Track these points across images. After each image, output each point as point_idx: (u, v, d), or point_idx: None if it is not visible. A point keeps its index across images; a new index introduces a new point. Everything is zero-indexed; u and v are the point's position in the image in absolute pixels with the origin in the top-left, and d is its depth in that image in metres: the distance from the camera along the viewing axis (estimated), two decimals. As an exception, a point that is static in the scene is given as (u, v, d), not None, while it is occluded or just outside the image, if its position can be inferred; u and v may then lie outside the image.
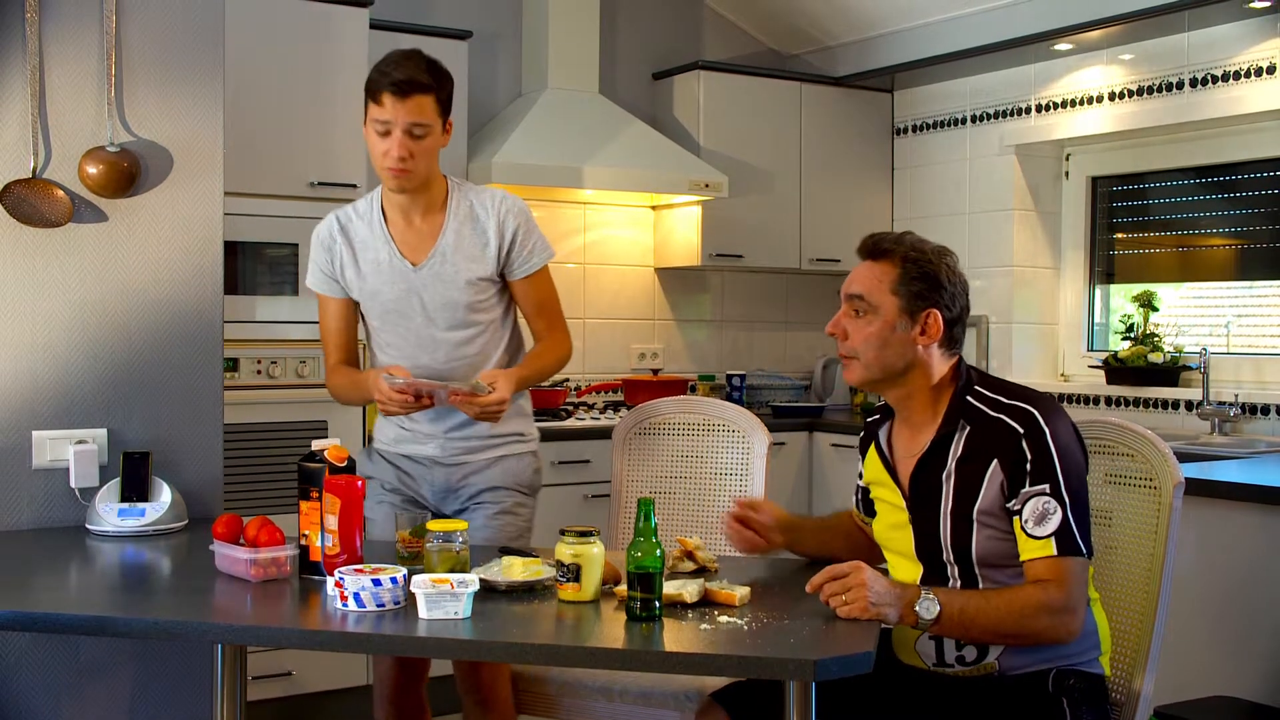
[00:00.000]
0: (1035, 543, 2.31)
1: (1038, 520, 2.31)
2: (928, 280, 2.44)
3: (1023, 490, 2.33)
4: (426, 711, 3.08)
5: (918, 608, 2.27)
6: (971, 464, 2.39)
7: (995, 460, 2.36)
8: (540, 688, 2.99)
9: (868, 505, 2.70)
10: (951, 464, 2.41)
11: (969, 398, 2.44)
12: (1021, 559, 2.33)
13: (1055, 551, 2.29)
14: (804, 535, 2.79)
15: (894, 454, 2.55)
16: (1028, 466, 2.33)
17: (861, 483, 2.71)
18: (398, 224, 3.09)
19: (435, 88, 2.96)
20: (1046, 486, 2.31)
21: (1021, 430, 2.34)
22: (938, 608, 2.27)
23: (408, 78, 2.92)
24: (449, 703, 3.31)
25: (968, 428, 2.42)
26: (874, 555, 2.73)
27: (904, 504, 2.50)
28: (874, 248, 2.50)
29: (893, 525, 2.53)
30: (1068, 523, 2.30)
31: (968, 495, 2.38)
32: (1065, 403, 5.31)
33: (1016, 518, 2.33)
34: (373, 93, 2.96)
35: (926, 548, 2.45)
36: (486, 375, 2.97)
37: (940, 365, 2.48)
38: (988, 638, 2.36)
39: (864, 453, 2.67)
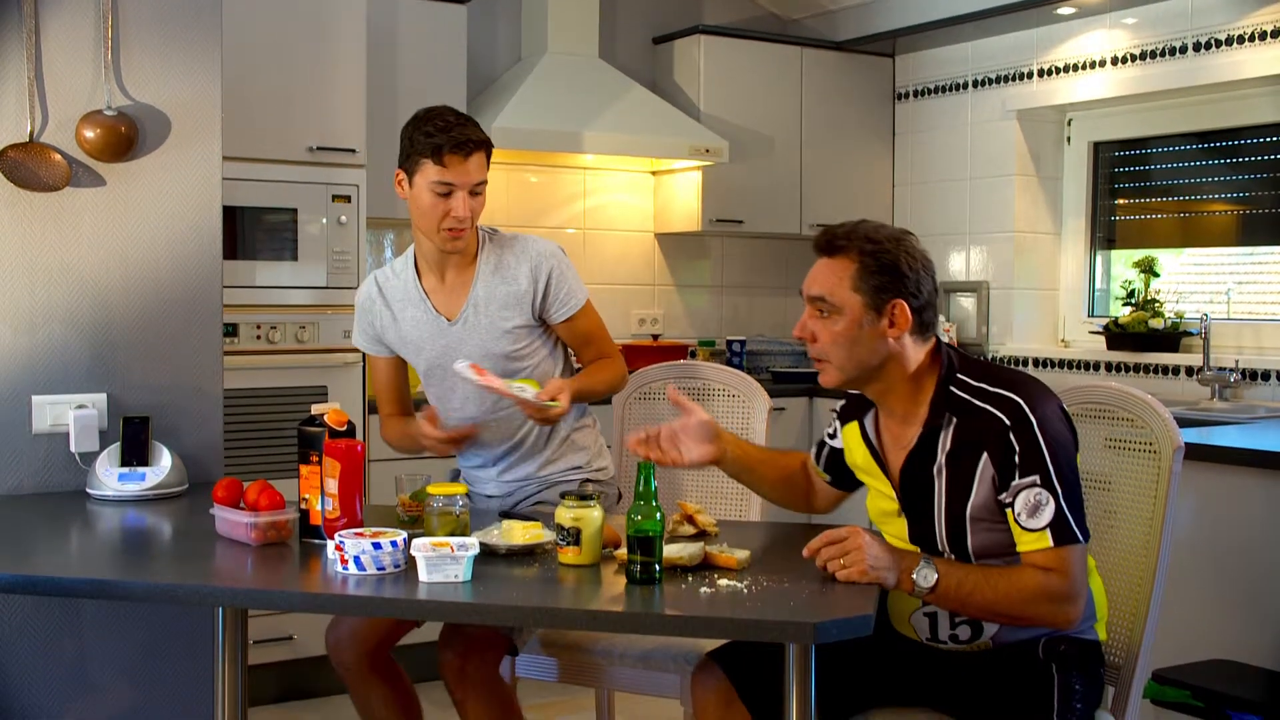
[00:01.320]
0: (1030, 535, 2.28)
1: (1031, 512, 2.28)
2: (888, 271, 2.37)
3: (1013, 483, 2.29)
4: (401, 674, 3.05)
5: (915, 575, 2.26)
6: (961, 459, 2.36)
7: (985, 454, 2.33)
8: (541, 651, 3.00)
9: (832, 464, 2.69)
10: (941, 458, 2.38)
11: (953, 388, 2.39)
12: (1019, 551, 2.31)
13: (1052, 543, 2.26)
14: (738, 455, 2.71)
15: (882, 445, 2.52)
16: (1016, 459, 2.29)
17: (833, 444, 2.68)
18: (431, 281, 3.08)
19: (487, 143, 2.96)
20: (1037, 477, 2.27)
21: (1008, 421, 2.30)
22: (935, 576, 2.26)
23: (467, 137, 2.89)
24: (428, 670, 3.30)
25: (954, 420, 2.37)
26: (810, 507, 2.78)
27: (895, 495, 2.48)
28: (829, 243, 2.43)
29: (884, 512, 2.52)
30: (1062, 511, 2.26)
31: (960, 494, 2.36)
32: (1065, 369, 5.32)
33: (1009, 510, 2.30)
34: (433, 153, 2.88)
35: (921, 539, 2.44)
36: (551, 387, 2.92)
37: (916, 353, 2.42)
38: (984, 615, 2.35)
39: (844, 422, 2.64)
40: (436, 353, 3.06)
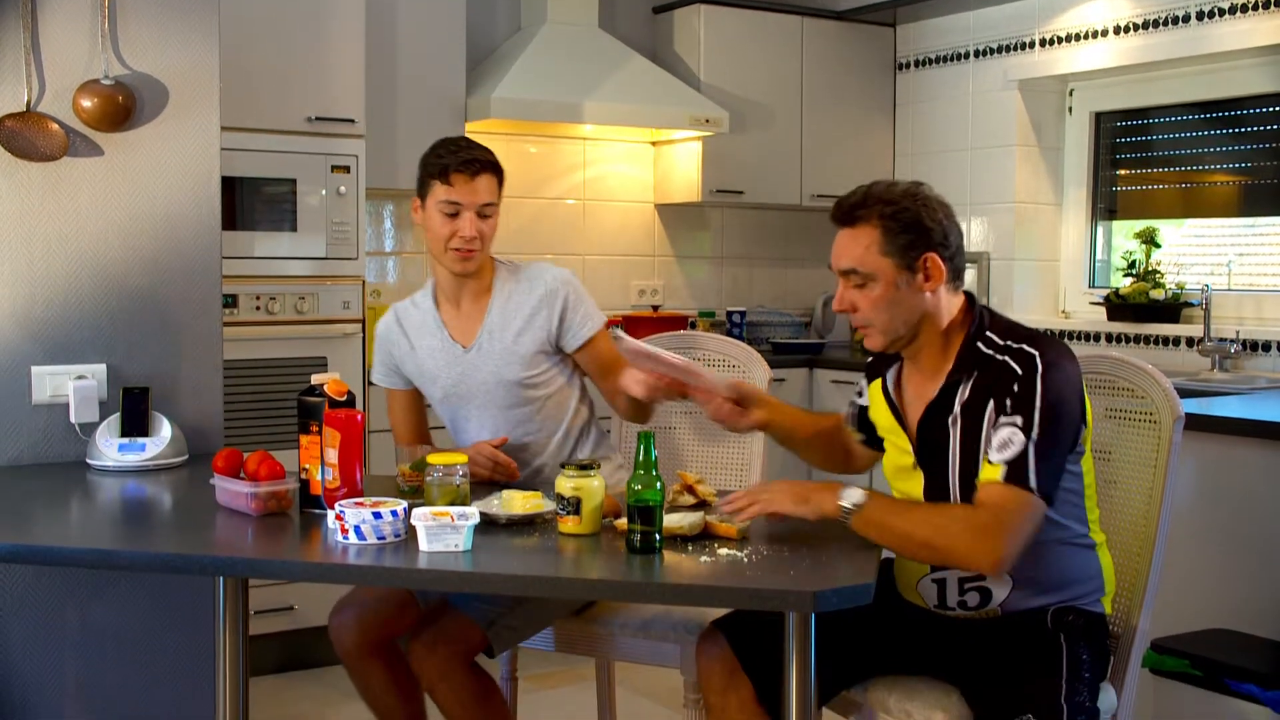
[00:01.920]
0: (990, 467, 2.27)
1: (999, 447, 2.26)
2: (912, 229, 2.38)
3: (1000, 419, 2.29)
4: (403, 659, 2.93)
5: (841, 497, 2.28)
6: (975, 409, 2.35)
7: (991, 400, 2.33)
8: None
9: (864, 424, 2.69)
10: (957, 409, 2.38)
11: (979, 343, 2.39)
12: (977, 483, 2.30)
13: (1001, 478, 2.24)
14: (783, 418, 2.72)
15: (902, 400, 2.52)
16: (1008, 401, 2.29)
17: (861, 402, 2.69)
18: (448, 309, 3.10)
19: (498, 167, 2.99)
20: (1019, 419, 2.26)
21: (1020, 372, 2.30)
22: (861, 496, 2.27)
23: (475, 157, 2.95)
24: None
25: (975, 373, 2.37)
26: (848, 467, 2.77)
27: (911, 450, 2.48)
28: (846, 214, 2.43)
29: (900, 468, 2.52)
30: (1024, 456, 2.24)
31: (973, 443, 2.35)
32: (1066, 340, 5.31)
33: (988, 446, 2.30)
34: (440, 173, 2.94)
35: (936, 494, 2.44)
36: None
37: (950, 306, 2.43)
38: (905, 544, 2.29)
39: (869, 379, 2.65)
40: (452, 380, 3.07)
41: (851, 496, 2.28)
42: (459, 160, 2.94)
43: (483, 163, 2.96)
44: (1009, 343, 2.36)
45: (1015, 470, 2.24)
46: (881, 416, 2.58)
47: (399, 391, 3.19)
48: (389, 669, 2.93)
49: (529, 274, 3.08)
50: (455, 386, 3.07)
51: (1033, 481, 2.23)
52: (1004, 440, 2.26)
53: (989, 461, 2.27)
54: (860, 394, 2.70)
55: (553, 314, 3.02)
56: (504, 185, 3.04)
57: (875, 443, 2.71)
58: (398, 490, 2.68)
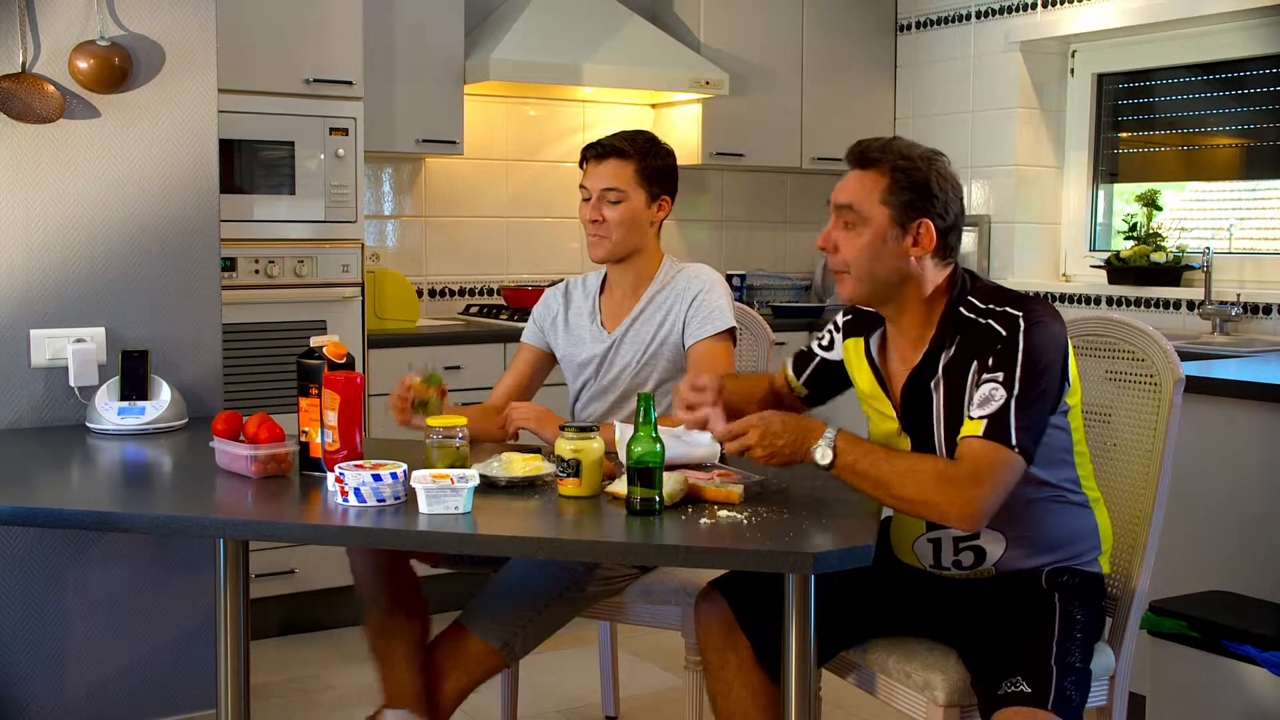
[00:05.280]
0: (971, 423, 2.25)
1: (980, 403, 2.25)
2: (918, 189, 2.36)
3: (981, 377, 2.28)
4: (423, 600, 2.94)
5: (814, 452, 2.27)
6: (958, 371, 2.35)
7: (975, 361, 2.32)
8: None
9: (815, 378, 2.70)
10: (940, 373, 2.38)
11: (961, 308, 2.38)
12: (958, 439, 2.29)
13: (981, 433, 2.23)
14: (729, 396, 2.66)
15: (887, 366, 2.51)
16: (991, 359, 2.28)
17: (827, 355, 2.68)
18: (610, 295, 3.16)
19: (633, 155, 3.03)
20: (1001, 375, 2.25)
21: (1004, 333, 2.29)
22: (831, 455, 2.26)
23: (606, 143, 3.05)
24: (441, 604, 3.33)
25: (959, 336, 2.36)
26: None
27: (895, 415, 2.47)
28: (862, 155, 2.42)
29: (886, 434, 2.51)
30: (1005, 411, 2.22)
31: (956, 405, 2.34)
32: (1066, 303, 5.30)
33: (969, 404, 2.30)
34: (581, 161, 3.09)
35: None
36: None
37: (935, 276, 2.41)
38: (878, 491, 2.27)
39: (846, 335, 2.62)
40: (586, 358, 3.12)
41: (823, 454, 2.27)
42: (589, 146, 3.06)
43: (610, 148, 3.04)
44: (992, 306, 2.34)
45: (995, 425, 2.22)
46: (864, 381, 2.56)
47: (530, 348, 3.22)
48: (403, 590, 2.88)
49: (687, 271, 3.11)
50: (587, 366, 3.12)
51: (1013, 437, 2.21)
52: (985, 396, 2.26)
53: (970, 417, 2.27)
54: (828, 345, 2.68)
55: (684, 303, 3.04)
56: (661, 178, 3.06)
57: (817, 399, 2.74)
58: (406, 405, 2.72)
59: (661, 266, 3.12)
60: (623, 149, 3.04)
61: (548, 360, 3.24)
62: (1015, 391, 2.23)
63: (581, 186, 3.07)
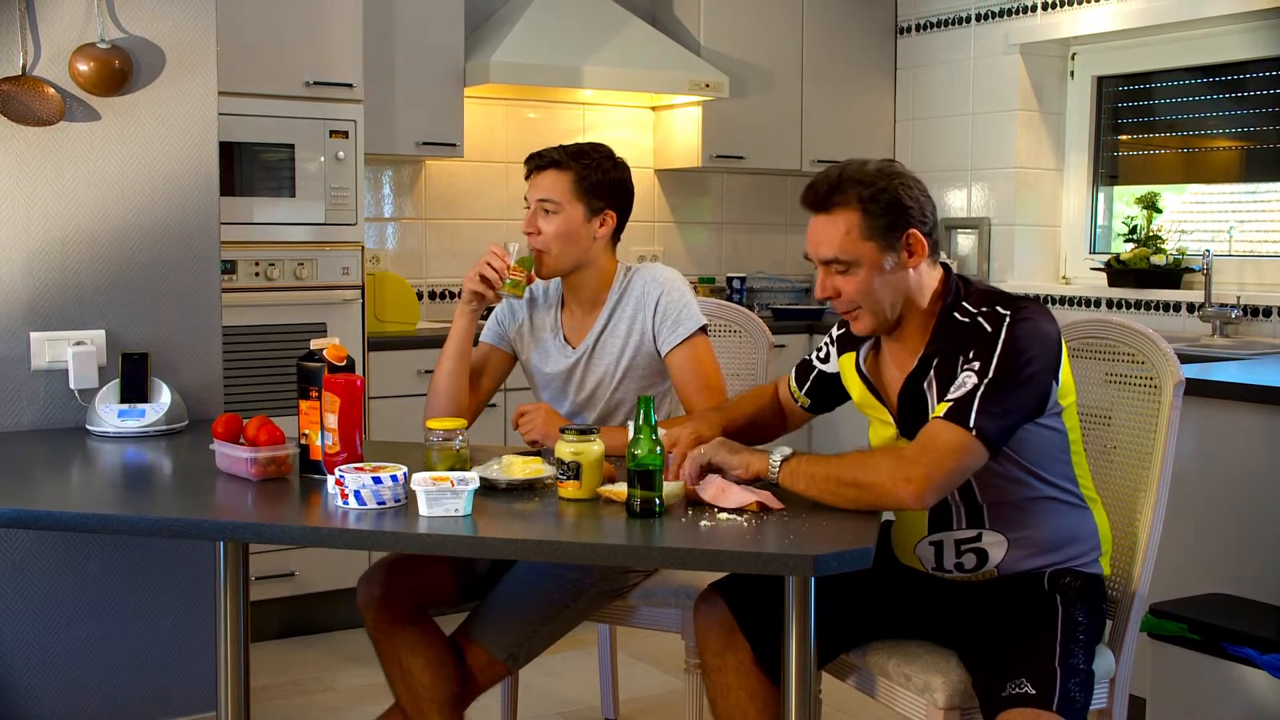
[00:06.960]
0: (940, 405, 2.26)
1: (954, 389, 2.26)
2: (891, 209, 2.35)
3: (960, 368, 2.29)
4: (433, 624, 2.90)
5: (770, 454, 2.32)
6: (946, 369, 2.35)
7: (961, 357, 2.32)
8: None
9: (816, 389, 2.71)
10: (932, 373, 2.38)
11: (955, 313, 2.38)
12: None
13: (943, 414, 2.23)
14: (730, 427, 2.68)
15: (880, 375, 2.51)
16: (972, 352, 2.28)
17: (825, 368, 2.68)
18: (569, 310, 3.06)
19: (570, 167, 2.93)
20: (977, 364, 2.25)
21: (989, 329, 2.29)
22: (787, 450, 2.31)
23: (545, 154, 2.96)
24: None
25: (951, 338, 2.36)
26: (785, 429, 2.79)
27: (893, 420, 2.48)
28: (823, 200, 2.40)
29: (885, 439, 2.52)
30: (971, 396, 2.22)
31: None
32: (1066, 305, 5.30)
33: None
34: (526, 172, 3.01)
35: None
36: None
37: (930, 280, 2.42)
38: (834, 486, 2.26)
39: (840, 351, 2.63)
40: (553, 373, 3.04)
41: (778, 452, 2.32)
42: (530, 156, 2.98)
43: (545, 158, 2.95)
44: (983, 308, 2.35)
45: (957, 407, 2.23)
46: (858, 393, 2.57)
47: (487, 346, 3.12)
48: (421, 638, 2.83)
49: (642, 275, 3.02)
50: (555, 380, 3.05)
51: (972, 420, 2.20)
52: (959, 383, 2.27)
53: (941, 400, 2.28)
54: (825, 358, 2.69)
55: (648, 311, 2.97)
56: (600, 191, 2.94)
57: (820, 408, 2.74)
58: (504, 286, 2.83)
59: (615, 276, 3.02)
60: (559, 160, 2.94)
61: (507, 362, 3.13)
62: (988, 378, 2.23)
63: (525, 198, 2.98)
